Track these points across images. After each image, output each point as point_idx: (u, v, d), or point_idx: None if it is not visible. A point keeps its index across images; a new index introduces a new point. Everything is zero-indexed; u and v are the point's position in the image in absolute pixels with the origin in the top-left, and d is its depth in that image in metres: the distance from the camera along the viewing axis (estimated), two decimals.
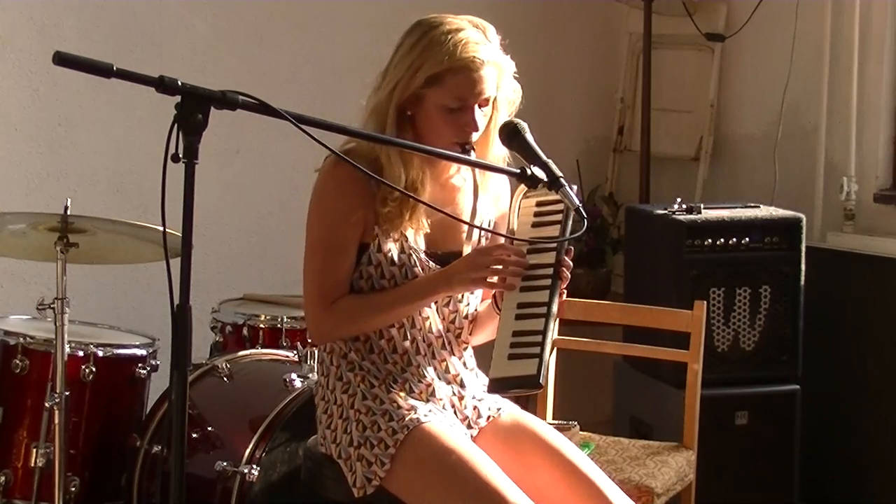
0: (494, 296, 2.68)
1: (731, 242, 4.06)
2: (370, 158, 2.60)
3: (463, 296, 2.75)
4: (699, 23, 4.93)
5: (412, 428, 2.58)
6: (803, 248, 4.11)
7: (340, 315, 2.65)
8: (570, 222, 2.59)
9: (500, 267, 2.56)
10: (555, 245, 2.57)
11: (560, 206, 2.61)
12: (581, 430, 3.38)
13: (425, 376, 2.71)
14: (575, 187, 2.57)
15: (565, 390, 3.70)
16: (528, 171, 2.56)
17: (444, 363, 2.75)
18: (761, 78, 4.88)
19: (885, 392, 4.27)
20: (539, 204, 2.66)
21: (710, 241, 4.04)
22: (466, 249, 2.73)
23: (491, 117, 2.68)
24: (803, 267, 4.10)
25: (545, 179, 2.56)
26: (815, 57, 4.61)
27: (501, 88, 2.67)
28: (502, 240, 2.67)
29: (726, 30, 4.97)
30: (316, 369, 2.79)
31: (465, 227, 2.74)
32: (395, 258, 2.66)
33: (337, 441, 2.65)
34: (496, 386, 2.55)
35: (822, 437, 4.34)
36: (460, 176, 2.78)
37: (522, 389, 2.59)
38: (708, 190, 4.97)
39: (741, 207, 4.22)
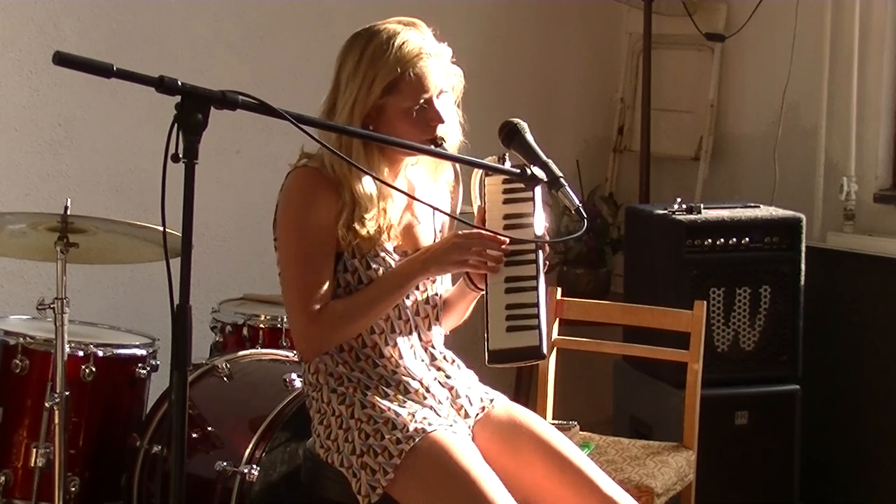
0: (469, 274, 2.71)
1: (731, 242, 4.06)
2: (332, 175, 2.64)
3: (434, 282, 2.78)
4: (699, 23, 4.93)
5: (418, 439, 2.58)
6: (803, 248, 4.11)
7: (328, 323, 2.64)
8: (540, 191, 2.62)
9: (487, 251, 2.59)
10: (531, 221, 2.61)
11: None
12: (581, 430, 3.39)
13: (417, 374, 2.72)
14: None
15: (565, 390, 3.70)
16: (528, 171, 2.58)
17: (431, 359, 2.77)
18: (761, 78, 4.88)
19: (885, 392, 4.27)
20: (506, 181, 2.67)
21: (710, 241, 4.04)
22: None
23: None
24: (803, 267, 4.10)
25: (545, 179, 2.57)
26: (815, 57, 4.61)
27: (447, 76, 2.71)
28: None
29: (726, 30, 4.97)
30: (305, 388, 2.78)
31: (429, 224, 2.79)
32: (371, 261, 2.67)
33: (339, 450, 2.65)
34: (497, 358, 2.56)
35: (822, 437, 4.34)
36: (403, 175, 2.78)
37: (525, 361, 2.63)
38: (708, 190, 4.97)
39: (741, 207, 4.22)
